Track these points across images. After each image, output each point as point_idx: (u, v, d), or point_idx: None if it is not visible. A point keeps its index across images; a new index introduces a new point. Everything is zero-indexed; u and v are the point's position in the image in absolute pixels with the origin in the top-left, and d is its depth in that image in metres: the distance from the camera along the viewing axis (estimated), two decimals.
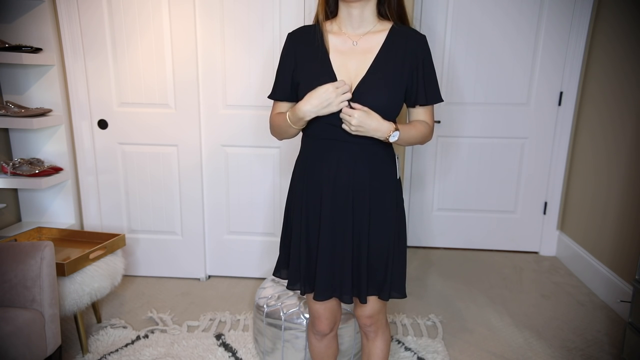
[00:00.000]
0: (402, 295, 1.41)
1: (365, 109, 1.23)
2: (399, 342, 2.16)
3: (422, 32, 1.36)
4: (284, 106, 1.42)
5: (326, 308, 1.46)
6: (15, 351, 1.53)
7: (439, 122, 3.08)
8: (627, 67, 2.52)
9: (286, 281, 1.48)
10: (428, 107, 1.36)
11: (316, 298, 1.37)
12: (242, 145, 2.60)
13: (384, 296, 1.39)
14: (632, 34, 2.49)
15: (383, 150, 1.36)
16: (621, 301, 2.05)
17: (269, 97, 1.43)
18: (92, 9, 2.43)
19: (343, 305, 1.80)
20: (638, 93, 2.42)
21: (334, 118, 1.27)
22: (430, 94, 1.34)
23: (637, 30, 2.45)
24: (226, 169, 2.64)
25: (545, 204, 3.16)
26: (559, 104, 3.00)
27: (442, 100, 1.36)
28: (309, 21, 2.36)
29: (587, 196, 2.86)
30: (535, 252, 3.25)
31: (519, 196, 3.18)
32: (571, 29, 2.87)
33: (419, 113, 1.37)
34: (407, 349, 2.12)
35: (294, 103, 1.42)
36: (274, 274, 1.50)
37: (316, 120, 1.31)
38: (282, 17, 2.41)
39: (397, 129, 1.26)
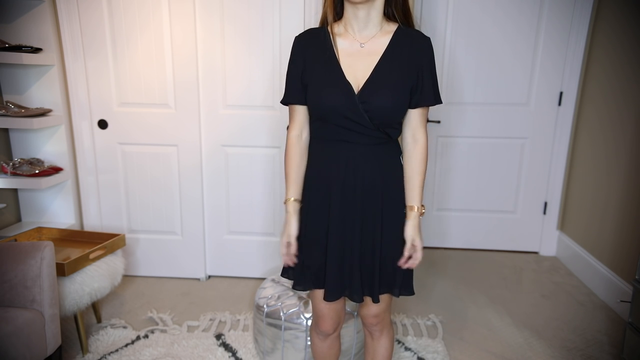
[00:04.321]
0: (411, 292, 1.42)
1: (415, 244, 1.35)
2: (399, 342, 2.16)
3: (422, 32, 1.36)
4: (299, 110, 1.39)
5: (331, 308, 1.46)
6: (15, 351, 1.53)
7: (439, 122, 3.09)
8: (627, 67, 2.52)
9: (287, 280, 1.49)
10: (424, 110, 1.35)
11: (327, 299, 1.37)
12: (242, 145, 2.60)
13: (395, 293, 1.39)
14: (632, 34, 2.49)
15: (391, 149, 1.36)
16: (621, 301, 2.05)
17: (282, 102, 1.41)
18: (92, 9, 2.43)
19: (346, 305, 1.80)
20: (638, 93, 2.42)
21: (343, 120, 1.28)
22: (434, 96, 1.34)
23: (637, 30, 2.45)
24: (226, 169, 2.64)
25: (545, 204, 3.16)
26: (559, 104, 3.00)
27: (441, 102, 1.37)
28: (309, 20, 2.38)
29: (587, 196, 2.86)
30: (535, 252, 3.25)
31: (519, 196, 3.18)
32: (571, 29, 2.87)
33: (415, 116, 1.34)
34: (407, 349, 2.12)
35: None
36: (281, 275, 1.50)
37: (324, 123, 1.31)
38: (283, 16, 2.41)
39: (418, 208, 1.36)
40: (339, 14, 1.35)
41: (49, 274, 1.69)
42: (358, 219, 1.34)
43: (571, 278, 2.87)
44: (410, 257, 1.36)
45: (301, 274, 1.42)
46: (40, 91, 2.50)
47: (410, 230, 1.35)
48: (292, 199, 1.39)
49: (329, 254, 1.35)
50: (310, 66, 1.33)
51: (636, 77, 2.44)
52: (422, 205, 1.37)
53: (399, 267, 1.37)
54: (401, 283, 1.39)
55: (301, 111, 1.39)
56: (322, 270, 1.38)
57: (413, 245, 1.34)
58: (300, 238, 1.42)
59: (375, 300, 1.37)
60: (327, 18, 1.34)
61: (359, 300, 1.37)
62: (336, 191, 1.33)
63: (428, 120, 3.05)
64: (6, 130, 2.56)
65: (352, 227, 1.34)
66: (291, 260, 1.40)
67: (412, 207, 1.36)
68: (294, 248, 1.39)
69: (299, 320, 1.86)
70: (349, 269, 1.36)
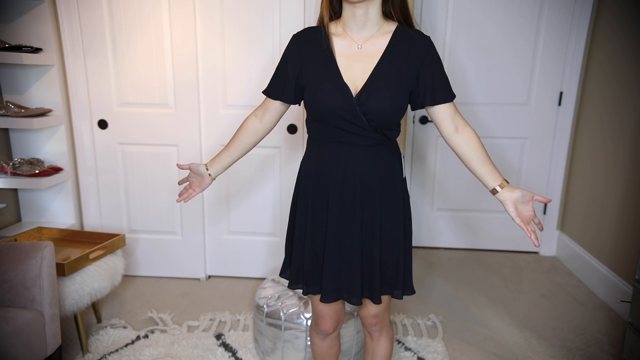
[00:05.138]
0: (412, 292, 1.41)
1: (532, 194, 1.24)
2: (399, 342, 2.16)
3: (422, 32, 1.35)
4: (274, 105, 1.41)
5: (330, 308, 1.46)
6: (15, 351, 1.53)
7: None
8: (627, 68, 2.52)
9: (287, 281, 1.48)
10: (451, 105, 1.33)
11: (323, 300, 1.37)
12: None
13: (397, 295, 1.39)
14: (632, 34, 2.49)
15: (390, 150, 1.36)
16: (621, 301, 2.05)
17: (263, 92, 1.42)
18: (92, 9, 2.43)
19: (346, 305, 1.80)
20: (638, 93, 2.42)
21: (341, 122, 1.27)
22: (440, 93, 1.31)
23: (637, 30, 2.45)
24: None
25: (545, 204, 3.16)
26: (559, 104, 3.00)
27: (454, 97, 1.33)
28: (309, 20, 2.38)
29: (587, 196, 2.86)
30: (535, 252, 3.25)
31: None
32: (571, 29, 2.87)
33: (445, 110, 1.32)
34: (407, 349, 2.12)
35: (286, 105, 1.41)
36: (280, 275, 1.50)
37: (322, 124, 1.31)
38: (283, 15, 2.41)
39: (503, 183, 1.27)
40: (337, 14, 1.34)
41: (49, 274, 1.69)
42: (357, 220, 1.33)
43: (571, 278, 2.87)
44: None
45: (297, 274, 1.42)
46: (40, 91, 2.50)
47: (517, 191, 1.25)
48: (208, 171, 1.45)
49: (327, 256, 1.34)
50: (307, 66, 1.32)
51: (636, 77, 2.44)
52: (504, 180, 1.29)
53: (400, 267, 1.37)
54: (402, 283, 1.38)
55: (273, 105, 1.41)
56: (319, 271, 1.37)
57: (532, 199, 1.24)
58: (298, 239, 1.42)
59: (377, 301, 1.37)
60: (323, 18, 1.33)
61: (358, 302, 1.37)
62: (334, 193, 1.33)
63: (429, 120, 3.06)
64: (6, 130, 2.56)
65: (351, 229, 1.33)
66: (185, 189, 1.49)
67: (502, 184, 1.27)
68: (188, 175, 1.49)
69: (299, 320, 1.86)
70: (348, 271, 1.35)
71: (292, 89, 1.36)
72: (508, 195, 1.26)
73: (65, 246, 2.22)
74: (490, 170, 1.30)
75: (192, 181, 1.48)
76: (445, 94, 1.32)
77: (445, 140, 1.38)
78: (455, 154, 1.36)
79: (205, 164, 1.45)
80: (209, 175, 1.45)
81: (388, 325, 1.52)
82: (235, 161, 1.47)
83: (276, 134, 2.55)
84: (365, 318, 1.49)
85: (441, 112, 1.33)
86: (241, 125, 1.46)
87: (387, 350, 1.54)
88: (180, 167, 1.46)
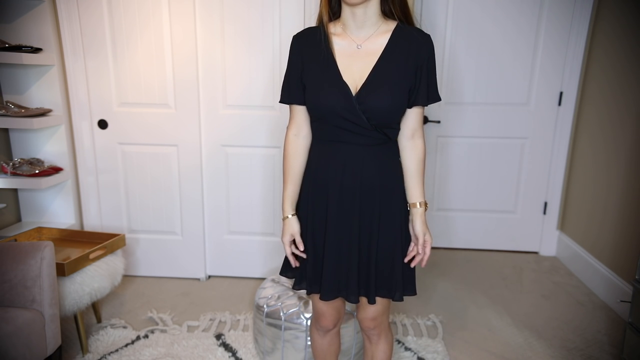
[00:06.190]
0: (413, 293, 1.41)
1: (426, 239, 1.37)
2: (399, 342, 2.16)
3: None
4: (297, 109, 1.38)
5: (330, 305, 1.46)
6: (15, 351, 1.53)
7: (439, 122, 3.09)
8: (627, 67, 2.52)
9: (287, 280, 1.49)
10: (421, 108, 1.34)
11: (323, 298, 1.37)
12: (242, 145, 2.60)
13: (396, 297, 1.38)
14: (632, 34, 2.49)
15: (390, 150, 1.35)
16: (621, 301, 2.05)
17: (281, 101, 1.40)
18: (92, 9, 2.43)
19: (346, 305, 1.80)
20: (638, 93, 2.42)
21: (341, 121, 1.28)
22: (431, 94, 1.33)
23: (637, 30, 2.45)
24: (226, 169, 2.64)
25: (545, 204, 3.16)
26: (559, 104, 3.00)
27: (440, 99, 1.36)
28: (309, 19, 2.38)
29: (587, 196, 2.86)
30: (535, 252, 3.25)
31: (519, 196, 3.18)
32: (571, 29, 2.87)
33: (413, 116, 1.34)
34: (407, 349, 2.12)
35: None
36: (280, 274, 1.50)
37: (323, 123, 1.31)
38: (282, 15, 2.41)
39: (423, 204, 1.36)
40: (336, 14, 1.34)
41: (49, 274, 1.69)
42: (356, 219, 1.33)
43: (571, 278, 2.87)
44: (415, 255, 1.37)
45: (301, 274, 1.42)
46: (40, 91, 2.50)
47: (419, 226, 1.35)
48: (290, 215, 1.40)
49: (326, 254, 1.35)
50: (308, 66, 1.32)
51: (636, 77, 2.44)
52: (425, 202, 1.38)
53: (398, 270, 1.37)
54: (402, 285, 1.38)
55: (299, 110, 1.39)
56: (319, 270, 1.38)
57: (425, 241, 1.36)
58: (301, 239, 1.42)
59: (372, 301, 1.37)
60: (322, 18, 1.33)
61: (355, 300, 1.37)
62: (333, 192, 1.33)
63: (429, 120, 3.07)
64: (6, 130, 2.56)
65: (350, 228, 1.34)
66: (295, 261, 1.41)
67: (415, 204, 1.36)
68: (300, 245, 1.40)
69: (299, 320, 1.86)
70: (346, 269, 1.35)
71: (300, 88, 1.35)
72: (413, 218, 1.37)
73: (65, 246, 2.22)
74: (415, 189, 1.37)
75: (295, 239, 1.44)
76: (436, 95, 1.34)
77: (398, 141, 1.38)
78: (401, 157, 1.39)
79: (287, 216, 1.41)
80: (294, 215, 1.42)
81: (387, 329, 1.51)
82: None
83: (276, 134, 2.55)
84: (363, 321, 1.48)
85: (412, 113, 1.34)
86: (286, 152, 1.40)
87: (387, 354, 1.52)
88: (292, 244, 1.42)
